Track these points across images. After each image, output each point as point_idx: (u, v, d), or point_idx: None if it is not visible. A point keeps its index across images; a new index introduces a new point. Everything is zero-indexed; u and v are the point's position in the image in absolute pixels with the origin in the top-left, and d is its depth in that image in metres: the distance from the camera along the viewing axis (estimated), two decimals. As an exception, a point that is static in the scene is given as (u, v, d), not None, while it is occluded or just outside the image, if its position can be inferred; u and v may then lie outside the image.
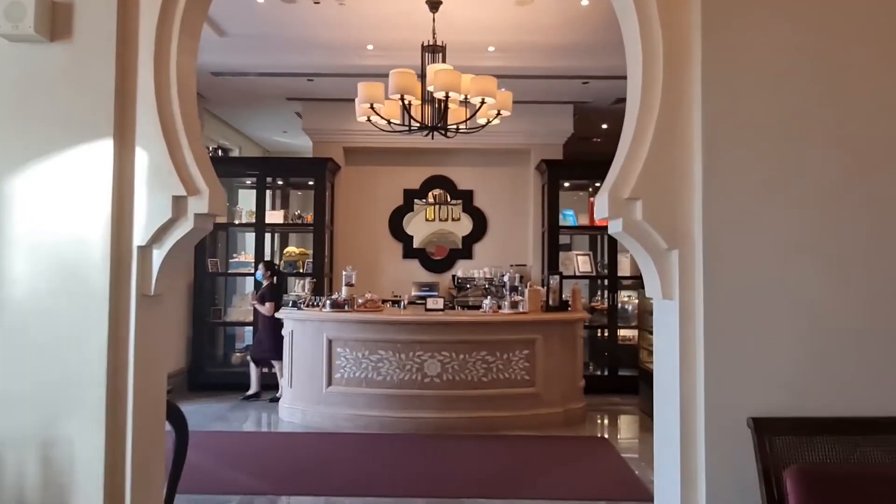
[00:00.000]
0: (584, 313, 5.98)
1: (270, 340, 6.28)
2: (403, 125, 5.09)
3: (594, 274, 7.51)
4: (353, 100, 5.14)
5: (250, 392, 6.64)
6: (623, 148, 2.27)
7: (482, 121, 5.15)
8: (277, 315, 5.96)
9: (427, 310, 5.82)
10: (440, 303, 5.86)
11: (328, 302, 5.67)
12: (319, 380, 5.58)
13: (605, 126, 8.88)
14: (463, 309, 7.18)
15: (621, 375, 7.17)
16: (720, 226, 2.15)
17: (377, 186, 8.08)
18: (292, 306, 5.95)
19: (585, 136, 9.12)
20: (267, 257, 7.57)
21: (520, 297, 5.72)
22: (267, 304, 6.34)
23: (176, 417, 2.36)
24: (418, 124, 5.07)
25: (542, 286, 6.30)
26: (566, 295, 6.28)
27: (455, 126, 5.19)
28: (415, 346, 5.45)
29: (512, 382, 5.50)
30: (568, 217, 7.52)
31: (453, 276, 7.66)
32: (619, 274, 7.27)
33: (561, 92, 7.24)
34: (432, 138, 5.11)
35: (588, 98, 7.44)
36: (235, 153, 8.81)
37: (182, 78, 2.27)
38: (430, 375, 5.44)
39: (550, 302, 5.82)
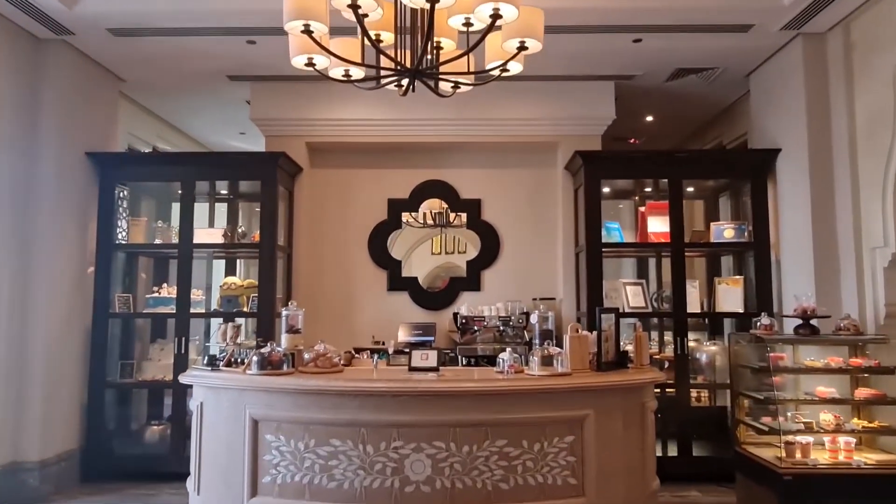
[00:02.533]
0: (656, 371, 3.87)
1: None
2: (363, 69, 3.07)
3: (649, 310, 5.42)
4: (314, 77, 3.22)
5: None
6: None
7: (494, 64, 3.14)
8: (182, 378, 3.87)
9: (411, 369, 3.73)
10: (432, 358, 3.78)
11: (255, 359, 3.60)
12: (238, 486, 3.47)
13: (649, 118, 6.88)
14: (468, 365, 5.08)
15: (700, 457, 5.02)
16: None
17: (353, 195, 6.07)
18: (207, 364, 3.87)
19: (620, 134, 7.11)
20: (199, 291, 5.52)
21: (556, 349, 3.63)
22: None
23: None
24: (392, 71, 3.05)
25: (584, 328, 4.21)
26: (624, 342, 4.20)
27: (453, 79, 3.19)
28: (390, 431, 3.36)
29: (548, 490, 3.38)
30: (612, 232, 5.45)
31: (455, 315, 5.58)
32: (689, 310, 5.16)
33: (601, 59, 5.25)
34: (412, 90, 3.08)
35: (637, 69, 5.44)
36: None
37: None
38: (414, 481, 3.34)
39: (603, 355, 3.74)
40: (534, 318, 3.85)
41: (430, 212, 6.16)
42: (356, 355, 5.50)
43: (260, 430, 3.49)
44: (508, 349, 3.64)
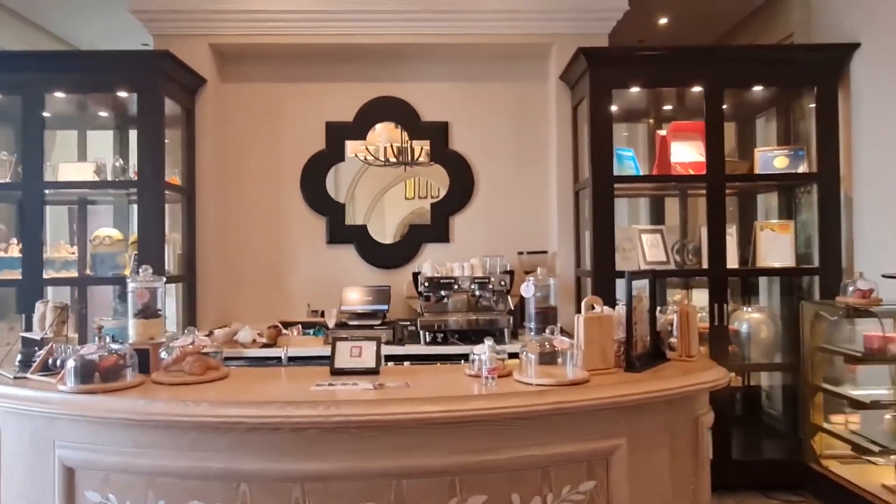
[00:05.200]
0: (715, 366, 2.51)
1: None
2: None
3: (671, 266, 4.08)
4: None
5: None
6: None
7: None
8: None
9: (334, 373, 2.36)
10: (367, 354, 2.39)
11: (71, 365, 2.17)
12: (45, 574, 2.11)
13: (663, 21, 5.42)
14: (433, 342, 3.78)
15: (743, 461, 3.77)
16: None
17: (279, 118, 4.56)
18: (20, 366, 2.44)
19: (626, 41, 5.62)
20: (73, 248, 4.05)
21: (562, 340, 2.26)
22: None
23: None
24: None
25: (584, 297, 2.85)
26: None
27: None
28: (290, 489, 1.99)
29: (556, 573, 2.08)
30: (626, 162, 4.05)
31: (415, 275, 4.19)
32: (729, 265, 3.83)
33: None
34: None
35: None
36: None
37: None
38: (332, 570, 1.99)
39: (638, 345, 2.38)
40: (527, 290, 2.46)
41: (392, 146, 4.68)
42: (284, 331, 4.14)
43: (77, 483, 2.10)
44: (487, 341, 2.26)
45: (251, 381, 2.35)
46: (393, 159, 4.57)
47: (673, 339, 2.60)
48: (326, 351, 2.49)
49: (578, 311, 2.40)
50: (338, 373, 2.39)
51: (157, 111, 3.76)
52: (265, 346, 3.98)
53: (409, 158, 4.63)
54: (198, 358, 2.34)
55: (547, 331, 2.29)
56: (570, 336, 2.37)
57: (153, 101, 3.74)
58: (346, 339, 2.48)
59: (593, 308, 2.41)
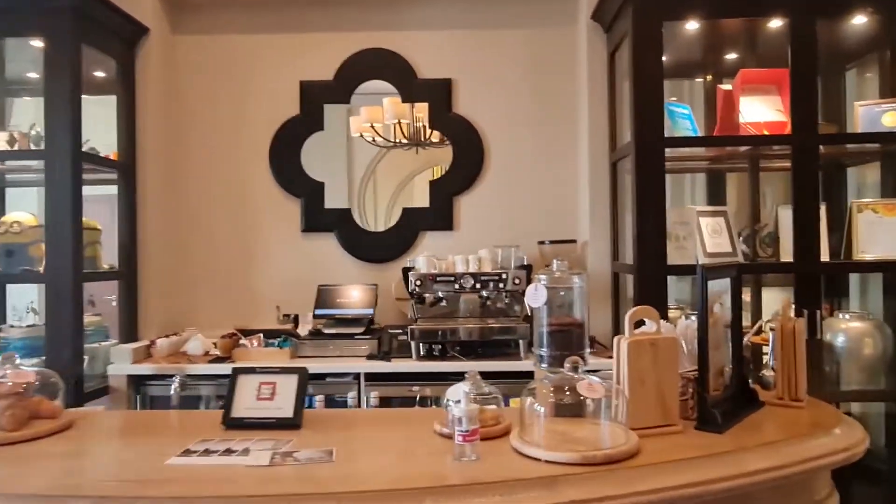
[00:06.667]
0: (848, 423, 1.55)
1: None
2: None
3: (739, 259, 3.08)
4: None
5: None
6: None
7: None
8: None
9: (228, 425, 1.48)
10: (284, 393, 1.51)
11: None
12: None
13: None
14: (427, 356, 2.91)
15: None
16: None
17: (242, 77, 3.70)
18: None
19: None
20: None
21: (592, 382, 1.34)
22: None
23: None
24: None
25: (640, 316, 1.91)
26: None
27: None
28: None
29: None
30: (681, 120, 3.07)
31: (405, 272, 3.29)
32: (824, 257, 2.84)
33: None
34: None
35: None
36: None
37: None
38: None
39: (715, 385, 1.45)
40: (534, 297, 1.51)
41: (400, 122, 3.77)
42: (243, 341, 3.30)
43: None
44: (467, 381, 1.35)
45: (91, 439, 1.48)
46: (404, 140, 3.66)
47: (768, 373, 1.66)
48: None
49: (617, 322, 1.47)
50: (234, 425, 1.51)
51: (72, 64, 2.92)
52: (218, 359, 3.15)
53: (423, 138, 3.73)
54: (12, 403, 1.48)
55: (567, 364, 1.36)
56: (609, 358, 1.45)
57: (65, 49, 2.91)
58: (251, 370, 1.59)
59: (643, 325, 1.48)
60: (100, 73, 3.48)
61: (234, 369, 1.59)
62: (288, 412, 1.51)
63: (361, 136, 3.59)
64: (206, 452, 1.35)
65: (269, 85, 3.68)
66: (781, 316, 1.64)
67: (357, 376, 3.03)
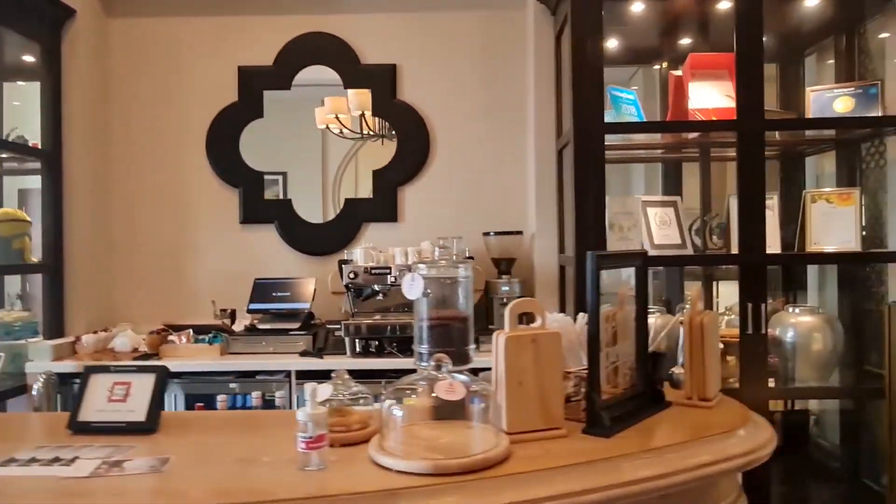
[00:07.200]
0: (757, 423, 1.40)
1: None
2: None
3: (688, 250, 2.95)
4: None
5: None
6: None
7: None
8: None
9: (78, 429, 1.33)
10: (138, 398, 1.37)
11: None
12: None
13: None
14: (364, 352, 2.73)
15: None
16: None
17: (179, 62, 3.55)
18: None
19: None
20: None
21: (455, 381, 1.20)
22: None
23: None
24: None
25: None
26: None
27: None
28: None
29: None
30: (624, 105, 2.93)
31: (341, 265, 3.14)
32: (769, 249, 2.71)
33: None
34: None
35: None
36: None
37: None
38: None
39: (609, 382, 1.32)
40: (410, 288, 1.37)
41: (364, 114, 3.62)
42: (171, 337, 3.16)
43: None
44: (335, 378, 1.22)
45: None
46: (369, 132, 3.49)
47: (678, 370, 1.53)
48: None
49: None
50: (81, 430, 1.37)
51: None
52: (145, 356, 3.01)
53: (387, 130, 3.59)
54: None
55: (431, 362, 1.22)
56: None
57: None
58: (105, 369, 1.45)
59: (529, 321, 1.34)
60: (28, 58, 3.33)
61: (87, 367, 1.45)
62: (140, 415, 1.37)
63: (328, 128, 3.40)
64: (31, 461, 1.21)
65: (206, 70, 3.52)
66: (689, 309, 1.51)
67: (288, 374, 2.90)
